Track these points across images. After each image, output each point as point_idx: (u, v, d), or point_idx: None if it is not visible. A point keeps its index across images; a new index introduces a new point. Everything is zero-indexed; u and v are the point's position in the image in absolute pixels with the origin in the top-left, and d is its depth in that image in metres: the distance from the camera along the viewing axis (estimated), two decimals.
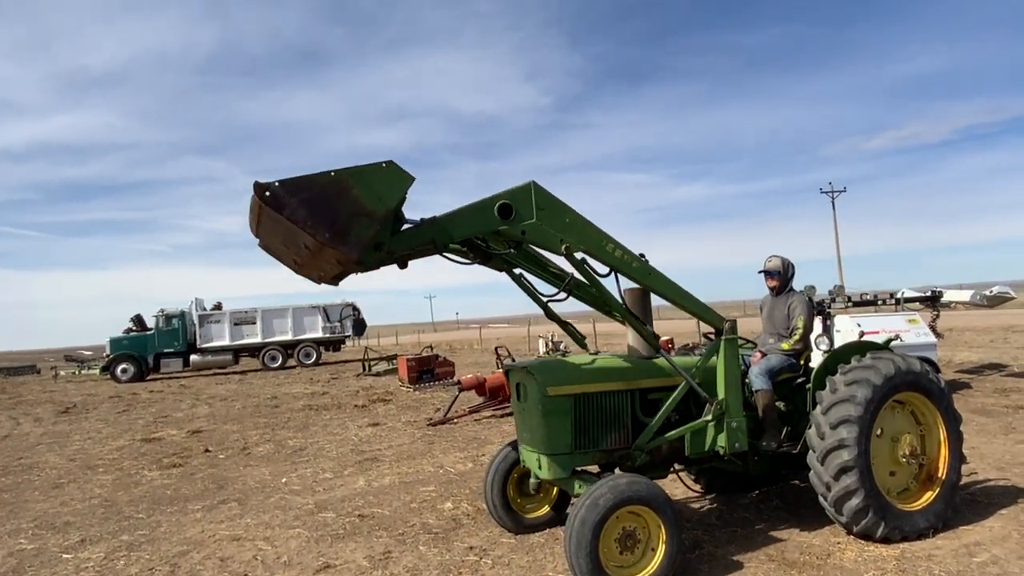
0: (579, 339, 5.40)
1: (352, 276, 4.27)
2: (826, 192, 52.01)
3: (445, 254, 4.51)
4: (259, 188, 3.35)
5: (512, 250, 4.49)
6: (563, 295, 4.89)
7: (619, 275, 4.58)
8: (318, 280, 4.27)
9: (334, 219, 3.41)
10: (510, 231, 4.14)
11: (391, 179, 3.60)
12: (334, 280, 4.21)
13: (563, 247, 4.28)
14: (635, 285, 4.81)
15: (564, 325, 5.32)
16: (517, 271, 4.91)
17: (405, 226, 3.97)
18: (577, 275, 4.62)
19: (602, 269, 4.60)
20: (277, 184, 3.35)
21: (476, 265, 4.68)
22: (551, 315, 5.21)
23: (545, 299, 4.93)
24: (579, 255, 4.39)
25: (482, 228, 4.13)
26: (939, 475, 5.10)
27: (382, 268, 4.32)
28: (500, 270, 4.87)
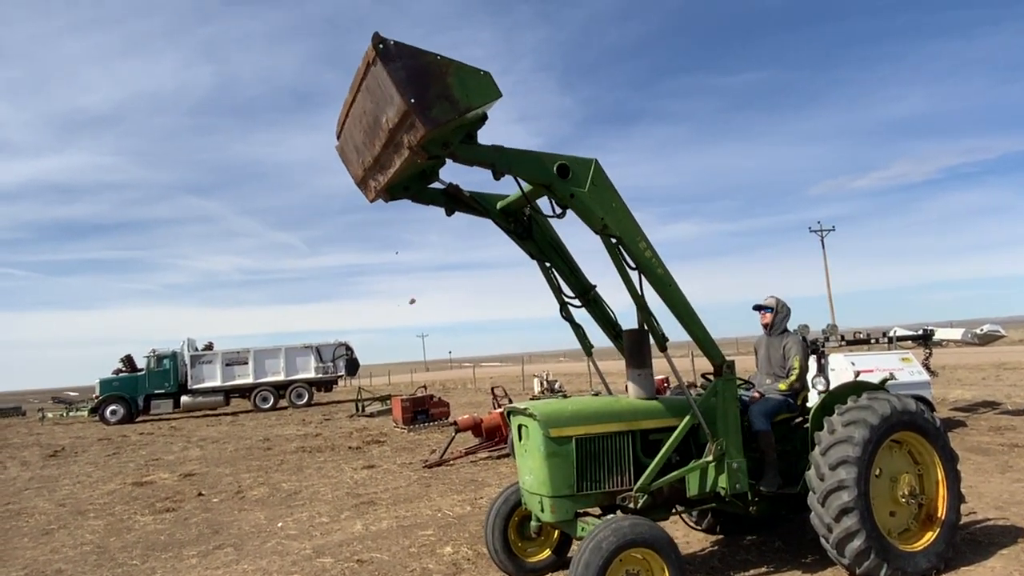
0: (587, 346, 5.50)
1: (401, 203, 4.63)
2: (815, 231, 52.80)
3: (493, 218, 4.92)
4: (377, 38, 3.58)
5: (558, 212, 4.56)
6: (579, 302, 5.28)
7: (642, 276, 4.65)
8: (375, 192, 4.48)
9: (424, 91, 3.63)
10: (561, 189, 4.29)
11: (483, 85, 3.80)
12: (388, 193, 4.46)
13: (601, 224, 4.41)
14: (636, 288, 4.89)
15: (576, 328, 5.44)
16: (547, 264, 5.20)
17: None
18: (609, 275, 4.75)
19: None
20: (393, 42, 3.61)
21: (513, 240, 5.07)
22: (566, 315, 5.35)
23: (566, 299, 5.25)
24: (613, 240, 4.50)
25: (538, 175, 4.26)
26: (939, 515, 5.12)
27: (431, 205, 4.72)
28: (533, 256, 5.20)
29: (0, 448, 20.68)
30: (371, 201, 4.60)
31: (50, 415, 32.59)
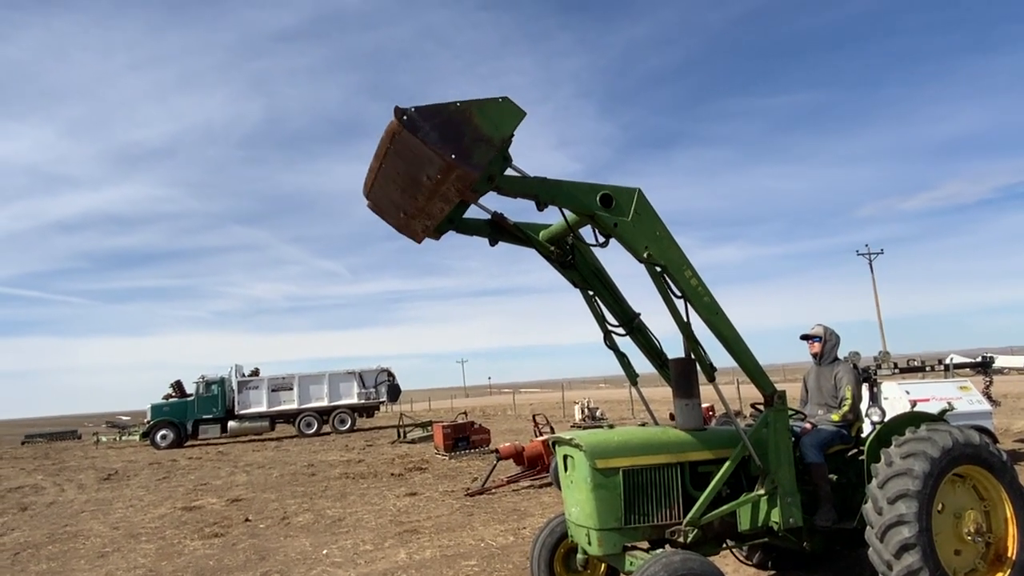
0: (632, 375, 5.46)
1: (449, 235, 4.62)
2: (863, 254, 51.45)
3: (537, 247, 4.90)
4: (399, 112, 3.63)
5: (601, 242, 4.57)
6: (623, 331, 5.20)
7: (688, 304, 4.60)
8: (422, 234, 4.52)
9: (459, 141, 3.71)
10: (605, 219, 4.30)
11: (506, 111, 3.87)
12: (437, 232, 4.50)
13: (645, 253, 4.40)
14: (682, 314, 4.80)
15: (620, 356, 5.40)
16: (591, 293, 5.18)
17: (509, 171, 4.13)
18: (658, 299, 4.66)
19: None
20: (413, 109, 3.66)
21: (556, 269, 5.05)
22: (611, 344, 5.31)
23: (609, 327, 5.20)
24: (658, 268, 4.49)
25: (581, 205, 4.28)
26: (1008, 555, 4.87)
27: (476, 236, 4.71)
28: (576, 285, 5.18)
29: (58, 471, 21.42)
30: (419, 242, 4.64)
31: (104, 439, 33.60)
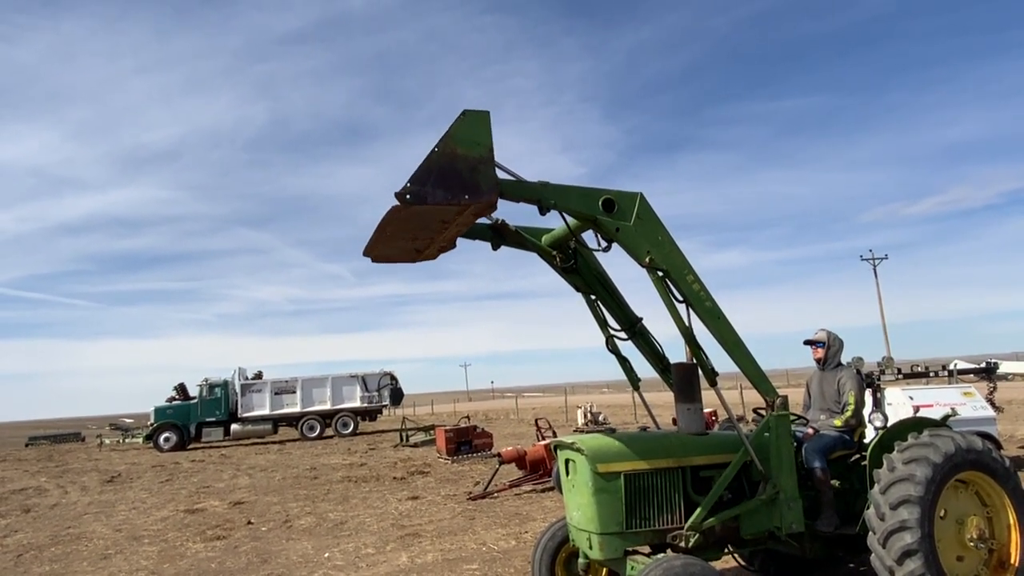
0: (634, 380, 5.47)
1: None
2: (867, 259, 51.42)
3: (539, 252, 4.93)
4: (400, 194, 3.61)
5: (603, 246, 4.60)
6: (625, 335, 5.21)
7: (690, 309, 4.61)
8: (437, 253, 4.56)
9: (462, 182, 3.70)
10: (607, 224, 4.32)
11: (475, 123, 3.83)
12: (453, 243, 4.53)
13: (647, 258, 4.41)
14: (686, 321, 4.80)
15: (623, 361, 5.41)
16: (593, 297, 5.19)
17: (504, 177, 4.11)
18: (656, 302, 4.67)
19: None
20: (408, 184, 3.63)
21: (558, 273, 5.06)
22: (613, 348, 5.32)
23: (612, 332, 5.21)
24: (660, 273, 4.50)
25: (584, 210, 4.29)
26: (1012, 561, 4.85)
27: (478, 240, 4.78)
28: (578, 289, 5.19)
29: (62, 473, 21.47)
30: (434, 259, 4.68)
31: (107, 441, 33.71)
